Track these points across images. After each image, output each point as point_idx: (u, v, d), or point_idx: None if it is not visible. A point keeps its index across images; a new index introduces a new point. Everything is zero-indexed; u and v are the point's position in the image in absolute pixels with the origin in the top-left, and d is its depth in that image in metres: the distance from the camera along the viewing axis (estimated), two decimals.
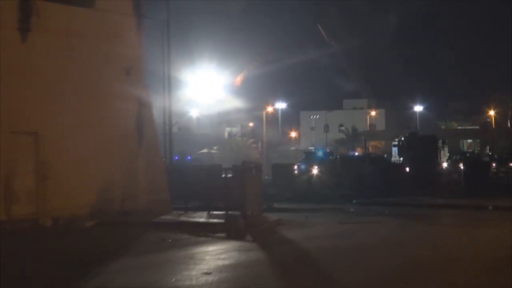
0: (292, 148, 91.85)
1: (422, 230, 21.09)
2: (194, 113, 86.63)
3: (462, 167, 37.08)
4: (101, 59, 22.53)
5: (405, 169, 37.94)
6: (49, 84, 21.31)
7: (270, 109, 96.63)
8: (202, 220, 21.51)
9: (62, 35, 21.57)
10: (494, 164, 40.05)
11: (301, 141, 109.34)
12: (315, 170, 36.44)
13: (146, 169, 23.49)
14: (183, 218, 21.92)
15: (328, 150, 54.95)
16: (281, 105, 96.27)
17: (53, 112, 21.37)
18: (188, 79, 68.32)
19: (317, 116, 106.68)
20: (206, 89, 74.30)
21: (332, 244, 17.25)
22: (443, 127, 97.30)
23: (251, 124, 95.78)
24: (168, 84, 28.36)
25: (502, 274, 12.93)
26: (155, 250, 16.05)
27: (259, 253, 15.93)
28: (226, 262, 14.35)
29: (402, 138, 43.99)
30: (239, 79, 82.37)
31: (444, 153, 48.39)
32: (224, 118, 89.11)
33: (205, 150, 69.52)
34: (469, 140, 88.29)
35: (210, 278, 12.43)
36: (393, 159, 46.66)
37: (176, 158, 36.53)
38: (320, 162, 38.70)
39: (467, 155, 52.30)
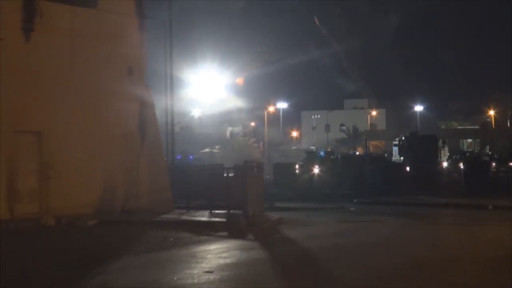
0: (294, 147, 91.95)
1: (423, 229, 21.13)
2: (196, 112, 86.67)
3: (462, 167, 37.13)
4: (103, 59, 22.64)
5: (405, 169, 38.01)
6: (52, 83, 21.42)
7: (271, 109, 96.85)
8: (204, 219, 21.55)
9: (65, 35, 21.69)
10: (494, 164, 40.13)
11: (302, 141, 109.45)
12: (316, 170, 36.56)
13: (148, 169, 23.60)
14: (185, 217, 21.97)
15: (329, 150, 55.11)
16: (282, 105, 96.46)
17: (56, 112, 21.48)
18: (190, 78, 68.39)
19: (318, 116, 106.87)
20: (208, 89, 74.32)
21: (333, 243, 17.28)
22: (443, 127, 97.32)
23: (252, 124, 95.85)
24: (170, 83, 28.48)
25: (502, 274, 12.93)
26: (157, 249, 16.09)
27: (260, 252, 15.97)
28: (228, 260, 14.37)
29: (403, 138, 44.05)
30: (241, 79, 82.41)
31: (444, 153, 48.46)
32: (226, 118, 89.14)
33: (207, 150, 69.61)
34: (469, 140, 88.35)
35: (211, 277, 12.45)
36: (393, 158, 46.71)
37: (178, 157, 36.68)
38: (321, 162, 38.80)
39: (467, 154, 52.28)
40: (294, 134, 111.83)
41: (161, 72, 28.37)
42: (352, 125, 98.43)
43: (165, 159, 26.98)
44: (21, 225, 19.43)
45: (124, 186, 22.76)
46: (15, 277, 12.89)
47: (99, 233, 19.09)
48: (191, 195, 23.91)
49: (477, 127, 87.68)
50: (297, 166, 38.42)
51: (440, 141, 43.89)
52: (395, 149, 47.57)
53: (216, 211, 22.49)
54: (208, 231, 19.08)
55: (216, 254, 15.21)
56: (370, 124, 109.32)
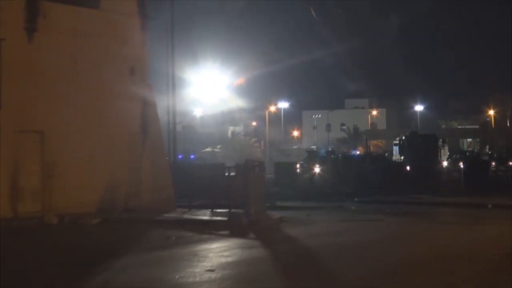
0: (295, 147, 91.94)
1: (423, 228, 21.15)
2: (197, 112, 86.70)
3: (462, 166, 37.16)
4: (105, 59, 22.75)
5: (405, 168, 38.04)
6: (54, 83, 21.53)
7: (272, 108, 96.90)
8: (205, 218, 21.60)
9: (68, 35, 21.81)
10: (493, 163, 40.23)
11: (303, 140, 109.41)
12: (317, 169, 36.64)
13: (151, 168, 23.71)
14: (187, 216, 22.04)
15: (329, 149, 55.18)
16: (283, 105, 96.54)
17: (58, 111, 21.60)
18: (191, 78, 68.32)
19: (319, 116, 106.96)
20: (209, 89, 74.31)
21: (334, 242, 17.31)
22: (443, 126, 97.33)
23: (254, 123, 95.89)
24: (172, 83, 28.61)
25: (502, 273, 12.95)
26: (159, 248, 16.13)
27: (262, 250, 16.04)
28: (229, 259, 14.42)
29: (403, 137, 44.09)
30: (241, 80, 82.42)
31: (444, 152, 48.51)
32: (227, 117, 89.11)
33: (208, 149, 69.65)
34: (469, 139, 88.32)
35: (213, 275, 12.50)
36: (394, 158, 46.70)
37: (180, 156, 36.77)
38: (322, 161, 38.88)
39: (467, 154, 52.31)
40: (295, 133, 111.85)
41: (163, 72, 28.54)
42: (353, 125, 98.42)
43: (167, 158, 27.07)
44: (24, 224, 19.53)
45: (126, 185, 22.86)
46: (19, 274, 12.95)
47: (101, 231, 19.16)
48: (193, 194, 23.96)
49: (477, 126, 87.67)
50: (298, 165, 38.47)
51: (440, 140, 43.89)
52: (396, 149, 47.57)
53: (218, 210, 22.56)
54: (210, 229, 19.14)
55: (217, 253, 15.25)
56: (371, 124, 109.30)
